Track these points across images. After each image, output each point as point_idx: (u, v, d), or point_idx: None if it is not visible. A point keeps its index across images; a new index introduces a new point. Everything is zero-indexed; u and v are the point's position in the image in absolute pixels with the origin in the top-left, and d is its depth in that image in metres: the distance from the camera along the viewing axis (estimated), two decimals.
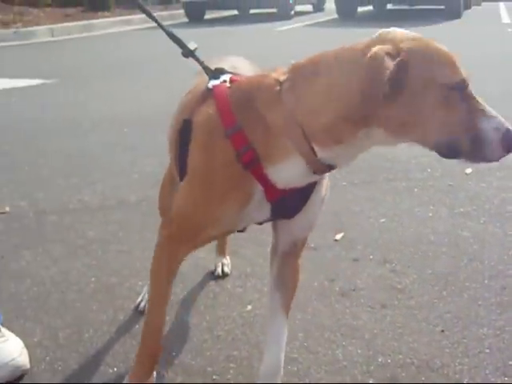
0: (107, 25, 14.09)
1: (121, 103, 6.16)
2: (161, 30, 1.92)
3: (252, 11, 16.50)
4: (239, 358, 2.05)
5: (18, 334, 2.10)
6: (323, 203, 1.70)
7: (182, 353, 2.09)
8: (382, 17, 14.31)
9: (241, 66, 1.99)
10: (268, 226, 1.75)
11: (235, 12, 16.66)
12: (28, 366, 2.03)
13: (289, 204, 1.61)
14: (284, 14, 15.13)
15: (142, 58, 9.18)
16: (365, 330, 2.18)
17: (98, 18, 14.30)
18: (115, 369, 2.02)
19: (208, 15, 15.97)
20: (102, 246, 2.88)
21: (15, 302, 2.42)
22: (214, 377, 1.96)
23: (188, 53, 1.85)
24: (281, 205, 1.60)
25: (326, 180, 1.68)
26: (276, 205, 1.59)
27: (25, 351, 2.05)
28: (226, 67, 1.83)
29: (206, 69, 1.77)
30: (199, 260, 2.63)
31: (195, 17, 15.52)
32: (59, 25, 13.23)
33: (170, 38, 1.88)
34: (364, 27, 12.49)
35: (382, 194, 3.50)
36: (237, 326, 2.23)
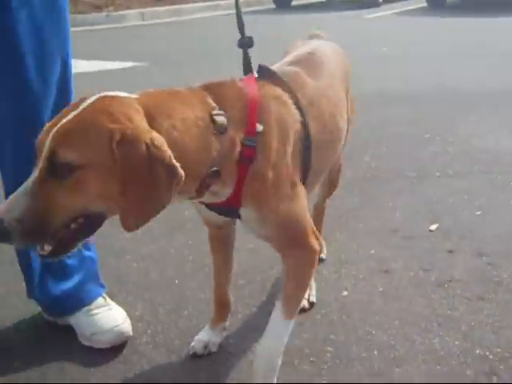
0: (196, 10, 14.24)
1: None
2: (247, 17, 1.88)
3: None
4: (336, 341, 2.07)
5: (121, 306, 2.20)
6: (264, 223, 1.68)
7: None
8: (471, 6, 13.85)
9: (321, 51, 2.07)
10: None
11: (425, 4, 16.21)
12: (131, 333, 2.12)
13: (220, 211, 1.70)
14: (372, 2, 14.88)
15: (228, 45, 9.23)
16: (462, 321, 2.17)
17: (187, 3, 14.46)
18: None
19: (295, 2, 15.84)
20: (198, 226, 2.94)
21: (117, 277, 2.52)
22: (312, 358, 1.99)
23: (244, 44, 1.78)
24: (216, 210, 1.70)
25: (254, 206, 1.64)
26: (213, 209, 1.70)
27: (128, 320, 2.14)
28: (304, 51, 2.02)
29: (247, 65, 1.77)
30: None
31: (282, 3, 15.45)
32: (149, 9, 13.46)
33: (238, 25, 1.79)
34: (453, 16, 12.19)
35: (477, 186, 3.43)
36: (333, 311, 2.24)
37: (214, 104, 1.52)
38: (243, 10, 1.91)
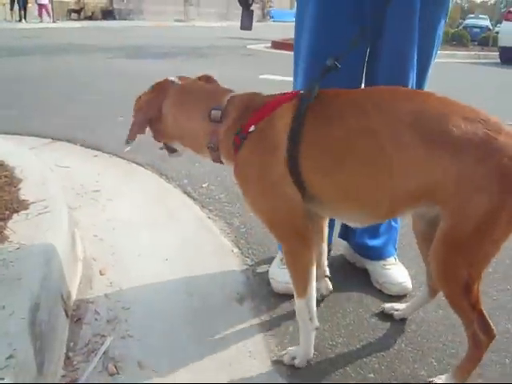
0: None
1: None
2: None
3: None
4: None
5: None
6: None
7: None
8: None
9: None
10: None
11: None
12: (411, 288, 2.15)
13: None
14: None
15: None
16: None
17: None
18: None
19: None
20: None
21: (402, 246, 2.39)
22: None
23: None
24: None
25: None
26: None
27: (409, 279, 2.17)
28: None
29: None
30: None
31: (506, 59, 14.33)
32: None
33: None
34: None
35: None
36: None
37: (221, 102, 1.56)
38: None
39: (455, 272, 1.43)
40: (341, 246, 2.42)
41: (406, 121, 1.37)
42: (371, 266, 2.23)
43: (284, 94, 1.58)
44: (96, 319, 1.85)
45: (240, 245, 2.49)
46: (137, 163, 3.66)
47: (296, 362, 1.68)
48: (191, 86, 1.66)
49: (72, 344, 1.72)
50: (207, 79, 1.74)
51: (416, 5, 1.79)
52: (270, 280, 2.14)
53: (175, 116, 1.62)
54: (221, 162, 1.64)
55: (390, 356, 1.77)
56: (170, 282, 2.14)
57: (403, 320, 1.97)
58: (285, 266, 2.10)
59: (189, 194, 3.12)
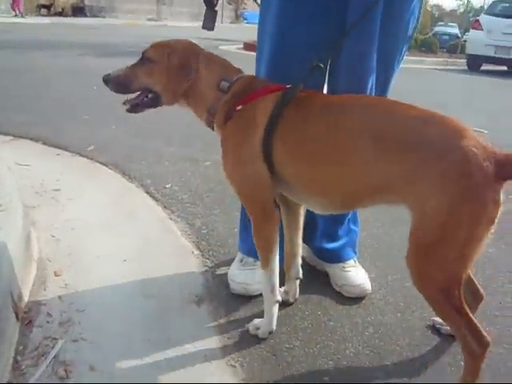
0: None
1: None
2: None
3: None
4: None
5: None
6: None
7: None
8: None
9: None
10: None
11: (505, 68, 15.24)
12: (370, 290, 2.16)
13: None
14: None
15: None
16: None
17: None
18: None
19: (484, 67, 14.92)
20: None
21: (363, 248, 2.48)
22: None
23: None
24: None
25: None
26: None
27: (368, 280, 2.18)
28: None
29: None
30: None
31: (473, 66, 14.64)
32: None
33: None
34: None
35: None
36: None
37: (229, 78, 1.72)
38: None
39: (429, 275, 1.42)
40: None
41: (363, 122, 1.48)
42: (331, 269, 2.23)
43: (273, 85, 1.72)
44: (48, 322, 1.80)
45: (201, 246, 2.46)
46: (100, 162, 3.59)
47: (259, 332, 1.82)
48: (214, 56, 1.80)
49: (21, 347, 1.66)
50: None
51: (376, 18, 1.78)
52: (229, 281, 2.12)
53: (202, 76, 1.72)
54: (212, 128, 1.78)
55: (347, 359, 1.77)
56: (128, 284, 2.10)
57: (362, 323, 1.97)
58: (244, 268, 2.11)
59: (151, 195, 3.08)
